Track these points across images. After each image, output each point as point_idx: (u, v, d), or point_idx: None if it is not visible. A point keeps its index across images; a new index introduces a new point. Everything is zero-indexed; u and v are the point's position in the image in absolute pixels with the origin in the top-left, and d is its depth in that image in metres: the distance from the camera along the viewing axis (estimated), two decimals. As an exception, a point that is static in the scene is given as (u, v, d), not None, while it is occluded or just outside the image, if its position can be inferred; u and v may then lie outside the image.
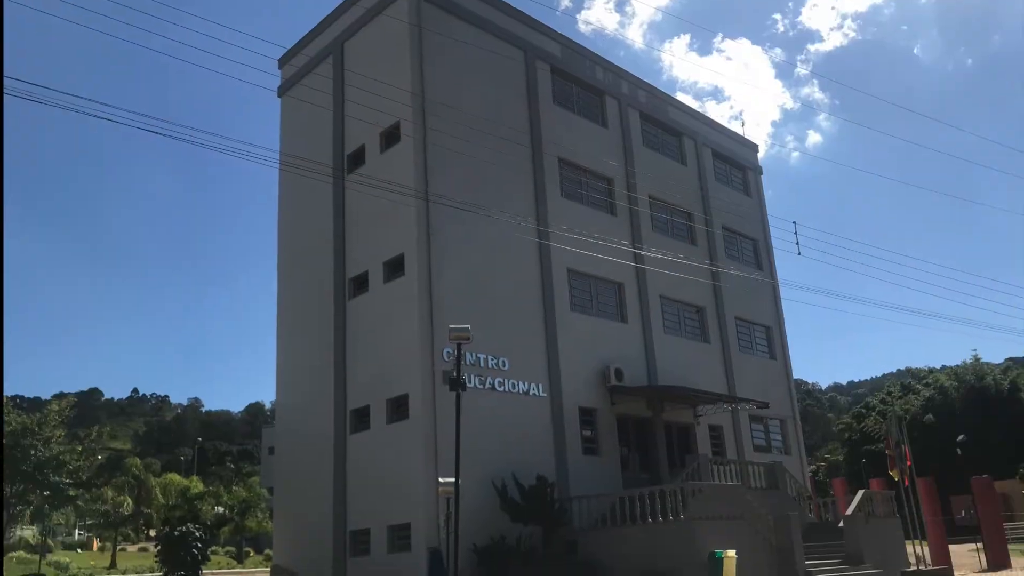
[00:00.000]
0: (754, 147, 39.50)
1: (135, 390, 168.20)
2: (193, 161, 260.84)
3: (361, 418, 23.29)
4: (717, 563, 17.57)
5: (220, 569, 42.43)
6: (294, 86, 28.86)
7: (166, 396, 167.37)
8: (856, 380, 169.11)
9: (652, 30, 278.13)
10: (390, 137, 24.44)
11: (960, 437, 46.65)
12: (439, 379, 21.01)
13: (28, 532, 49.92)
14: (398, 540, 21.07)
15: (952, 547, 26.48)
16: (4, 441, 25.04)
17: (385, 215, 23.42)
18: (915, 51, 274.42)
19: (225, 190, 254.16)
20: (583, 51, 30.73)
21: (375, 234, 24.11)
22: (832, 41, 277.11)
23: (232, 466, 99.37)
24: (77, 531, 66.39)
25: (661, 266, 28.53)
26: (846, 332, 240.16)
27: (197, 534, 22.73)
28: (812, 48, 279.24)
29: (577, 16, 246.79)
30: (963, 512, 43.77)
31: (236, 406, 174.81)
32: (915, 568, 22.60)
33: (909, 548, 24.04)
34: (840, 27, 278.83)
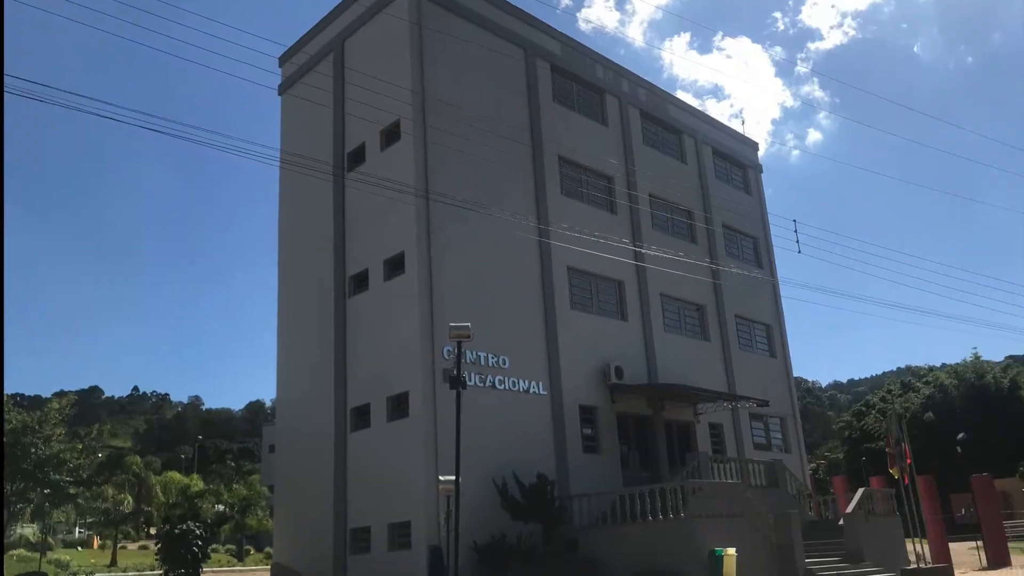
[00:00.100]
0: (754, 145, 39.48)
1: (135, 388, 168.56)
2: (193, 159, 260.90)
3: (361, 416, 23.30)
4: (717, 561, 17.58)
5: (220, 567, 42.44)
6: (294, 84, 28.85)
7: (166, 394, 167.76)
8: (856, 378, 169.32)
9: (652, 28, 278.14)
10: (390, 135, 24.44)
11: (960, 435, 46.69)
12: (439, 377, 21.01)
13: (28, 530, 49.97)
14: (398, 538, 21.09)
15: (952, 545, 26.49)
16: (4, 439, 25.06)
17: (385, 213, 23.43)
18: (915, 49, 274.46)
19: (226, 188, 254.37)
20: (583, 49, 30.72)
21: (375, 232, 24.11)
22: (832, 39, 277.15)
23: (232, 464, 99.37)
24: (77, 529, 66.39)
25: (661, 264, 28.53)
26: (846, 330, 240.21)
27: (198, 532, 22.74)
28: (812, 46, 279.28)
29: (577, 14, 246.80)
30: (963, 510, 43.82)
31: (237, 404, 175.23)
32: (915, 566, 22.60)
33: (909, 546, 24.04)
34: (840, 25, 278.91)
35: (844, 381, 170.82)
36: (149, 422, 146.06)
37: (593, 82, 30.49)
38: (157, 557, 24.64)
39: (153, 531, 58.48)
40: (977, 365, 60.82)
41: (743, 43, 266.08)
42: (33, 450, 26.47)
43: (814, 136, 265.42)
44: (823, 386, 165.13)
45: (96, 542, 61.42)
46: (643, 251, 28.44)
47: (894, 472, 23.66)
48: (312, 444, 24.50)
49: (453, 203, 22.30)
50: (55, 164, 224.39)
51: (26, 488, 27.64)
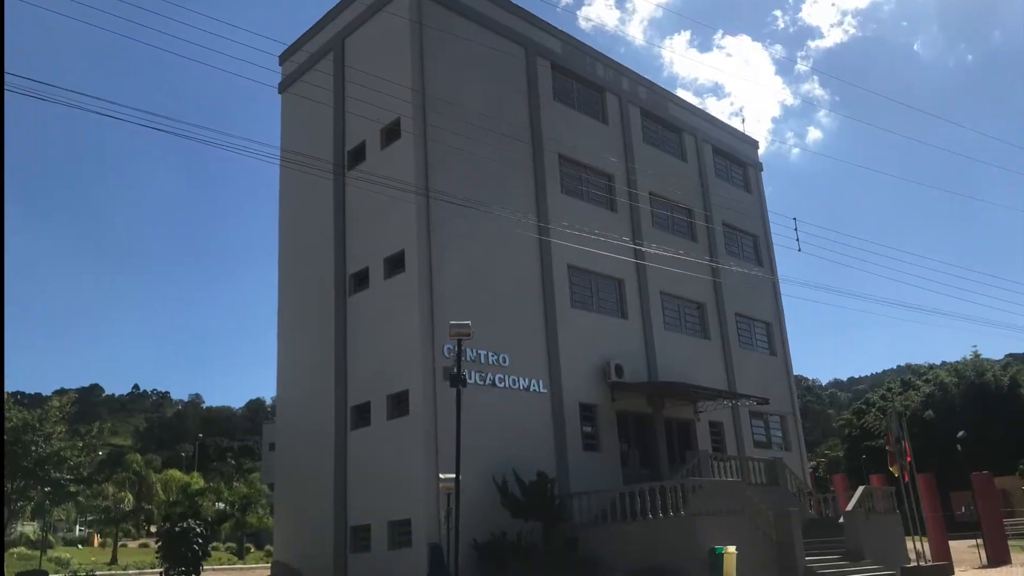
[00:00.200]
0: (754, 143, 39.48)
1: (136, 386, 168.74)
2: (194, 157, 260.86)
3: (362, 414, 23.32)
4: (717, 559, 17.59)
5: (221, 565, 42.47)
6: (295, 82, 28.85)
7: (167, 392, 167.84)
8: (856, 376, 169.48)
9: (652, 27, 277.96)
10: (391, 133, 24.44)
11: (960, 433, 46.65)
12: (440, 375, 21.01)
13: (29, 528, 49.94)
14: (399, 536, 21.11)
15: (952, 543, 26.47)
16: (5, 437, 25.06)
17: (385, 211, 23.43)
18: (915, 47, 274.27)
19: (226, 186, 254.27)
20: (584, 48, 30.71)
21: (376, 230, 24.12)
22: (832, 37, 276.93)
23: (233, 462, 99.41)
24: (78, 527, 66.37)
25: (661, 262, 28.54)
26: (846, 328, 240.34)
27: (198, 530, 22.72)
28: (812, 44, 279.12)
29: (577, 13, 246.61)
30: (963, 508, 43.80)
31: (237, 402, 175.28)
32: (915, 564, 22.62)
33: (909, 544, 24.05)
34: (840, 23, 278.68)
35: (844, 379, 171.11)
36: (149, 420, 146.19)
37: (593, 80, 30.48)
38: (158, 555, 24.64)
39: (153, 529, 58.52)
40: (977, 363, 60.78)
41: (743, 41, 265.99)
42: (34, 448, 26.44)
43: (814, 134, 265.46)
44: (823, 384, 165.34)
45: (96, 540, 61.45)
46: (643, 249, 28.45)
47: (894, 470, 23.67)
48: (312, 442, 24.51)
49: (453, 201, 22.30)
50: (56, 163, 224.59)
51: (27, 486, 27.62)
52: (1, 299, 9.14)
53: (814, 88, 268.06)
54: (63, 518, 54.82)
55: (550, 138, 27.20)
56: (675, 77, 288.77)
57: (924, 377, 64.89)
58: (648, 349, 27.98)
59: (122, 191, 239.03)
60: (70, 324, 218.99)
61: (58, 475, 27.25)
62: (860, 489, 24.25)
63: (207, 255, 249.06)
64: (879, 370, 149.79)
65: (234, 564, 45.32)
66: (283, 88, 29.85)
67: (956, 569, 23.87)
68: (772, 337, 35.29)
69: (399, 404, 22.07)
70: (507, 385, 22.90)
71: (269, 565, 30.00)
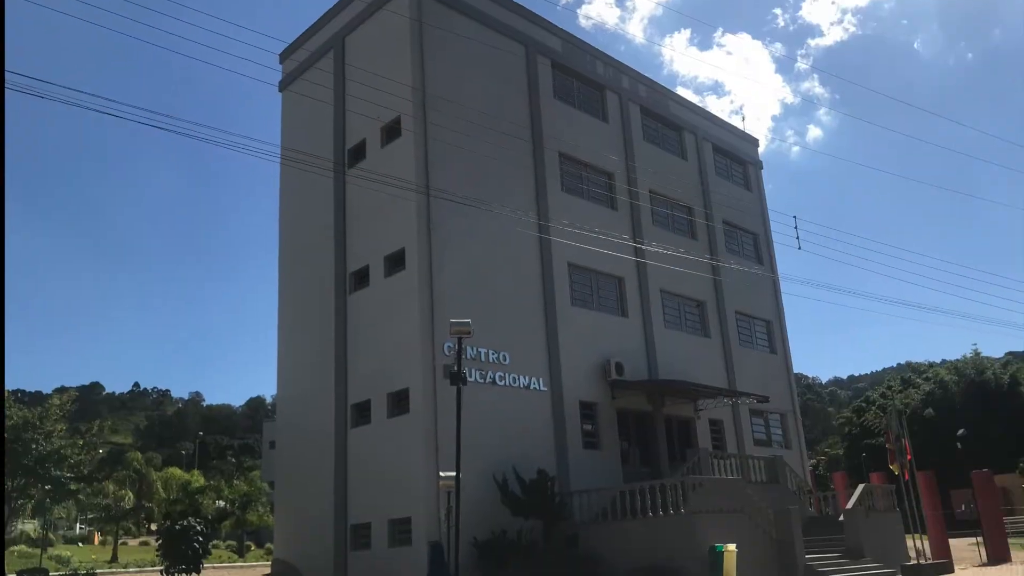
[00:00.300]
0: (754, 141, 39.45)
1: (136, 384, 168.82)
2: (195, 156, 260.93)
3: (362, 412, 23.33)
4: (717, 557, 17.61)
5: (221, 563, 42.49)
6: (295, 81, 28.85)
7: (167, 390, 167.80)
8: (856, 374, 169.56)
9: (652, 25, 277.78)
10: (391, 131, 24.44)
11: (960, 431, 46.64)
12: (440, 373, 21.02)
13: (29, 526, 50.02)
14: (399, 534, 21.12)
15: (952, 541, 26.46)
16: (5, 435, 25.07)
17: (386, 209, 23.43)
18: (915, 46, 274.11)
19: (226, 185, 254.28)
20: (584, 46, 30.69)
21: (376, 228, 24.11)
22: (832, 36, 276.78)
23: (233, 460, 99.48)
24: (78, 525, 66.41)
25: (662, 260, 28.55)
26: (846, 326, 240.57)
27: (198, 528, 22.78)
28: (812, 43, 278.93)
29: (578, 11, 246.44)
30: (963, 506, 43.87)
31: (237, 400, 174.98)
32: (915, 562, 22.65)
33: (909, 542, 24.08)
34: (840, 22, 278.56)
35: (844, 377, 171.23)
36: (150, 418, 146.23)
37: (593, 78, 30.46)
38: (158, 553, 24.69)
39: (154, 527, 58.45)
40: (977, 361, 60.80)
41: (743, 39, 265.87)
42: (34, 446, 26.44)
43: (814, 132, 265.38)
44: (823, 382, 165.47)
45: (97, 538, 61.42)
46: (643, 247, 28.44)
47: (894, 468, 23.70)
48: (313, 440, 24.52)
49: (454, 199, 22.30)
50: (56, 161, 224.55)
51: (27, 484, 27.63)
52: (1, 297, 9.14)
53: (814, 86, 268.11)
54: (63, 516, 54.93)
55: (550, 136, 27.19)
56: (675, 75, 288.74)
57: (924, 375, 64.90)
58: (648, 347, 27.98)
59: (122, 189, 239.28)
60: (70, 322, 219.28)
61: (58, 473, 27.25)
62: (860, 487, 24.25)
63: (207, 253, 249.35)
64: (879, 368, 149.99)
65: (234, 562, 45.32)
66: (283, 86, 29.84)
67: (956, 567, 23.88)
68: (772, 335, 35.28)
69: (399, 402, 22.07)
70: (507, 383, 22.90)
71: (269, 563, 30.02)
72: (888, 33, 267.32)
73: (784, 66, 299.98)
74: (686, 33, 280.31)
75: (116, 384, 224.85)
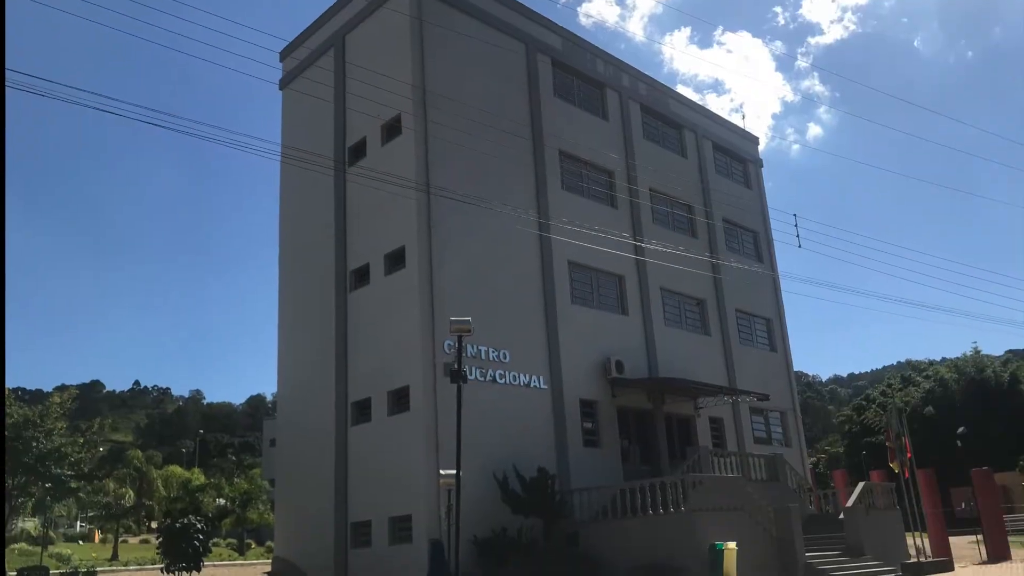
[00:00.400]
0: (754, 140, 39.44)
1: (136, 382, 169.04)
2: (195, 154, 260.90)
3: (362, 410, 23.33)
4: (718, 555, 17.62)
5: (222, 561, 42.53)
6: (296, 79, 28.84)
7: (167, 388, 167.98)
8: (856, 372, 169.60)
9: (653, 23, 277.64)
10: (391, 129, 24.43)
11: (960, 429, 46.63)
12: (440, 371, 21.05)
13: (30, 524, 50.01)
14: (399, 532, 21.14)
15: (952, 539, 26.48)
16: (6, 433, 25.06)
17: (386, 207, 23.42)
18: (915, 44, 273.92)
19: (227, 183, 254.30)
20: (584, 44, 30.67)
21: (376, 226, 24.11)
22: (832, 34, 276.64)
23: (233, 458, 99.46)
24: (79, 523, 66.45)
25: (662, 258, 28.55)
26: (846, 324, 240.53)
27: (199, 526, 22.77)
28: (812, 41, 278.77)
29: (578, 9, 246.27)
30: (963, 504, 43.89)
31: (237, 398, 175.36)
32: (915, 560, 22.66)
33: (909, 540, 24.10)
34: (840, 20, 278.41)
35: (844, 375, 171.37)
36: (150, 416, 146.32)
37: (594, 77, 30.45)
38: (158, 551, 24.69)
39: (154, 525, 58.48)
40: (977, 359, 60.84)
41: (743, 38, 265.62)
42: (34, 444, 26.43)
43: (814, 131, 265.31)
44: (823, 380, 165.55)
45: (97, 536, 61.46)
46: (643, 245, 28.43)
47: (894, 466, 23.72)
48: (313, 438, 24.54)
49: (454, 197, 22.30)
50: (56, 159, 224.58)
51: (27, 482, 27.62)
52: (2, 295, 9.15)
53: (814, 84, 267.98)
54: (64, 514, 54.99)
55: (550, 134, 27.18)
56: (675, 73, 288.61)
57: (924, 373, 64.97)
58: (648, 345, 27.98)
59: (123, 187, 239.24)
60: (71, 320, 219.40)
61: (59, 471, 27.24)
62: (860, 485, 24.25)
63: (208, 251, 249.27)
64: (879, 366, 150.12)
65: (235, 560, 45.37)
66: (284, 84, 29.83)
67: (956, 565, 23.89)
68: (772, 333, 35.29)
69: (400, 400, 22.08)
70: (507, 381, 22.91)
71: (270, 561, 30.06)
72: (888, 31, 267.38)
73: (784, 64, 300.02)
74: (686, 31, 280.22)
75: (116, 382, 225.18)
